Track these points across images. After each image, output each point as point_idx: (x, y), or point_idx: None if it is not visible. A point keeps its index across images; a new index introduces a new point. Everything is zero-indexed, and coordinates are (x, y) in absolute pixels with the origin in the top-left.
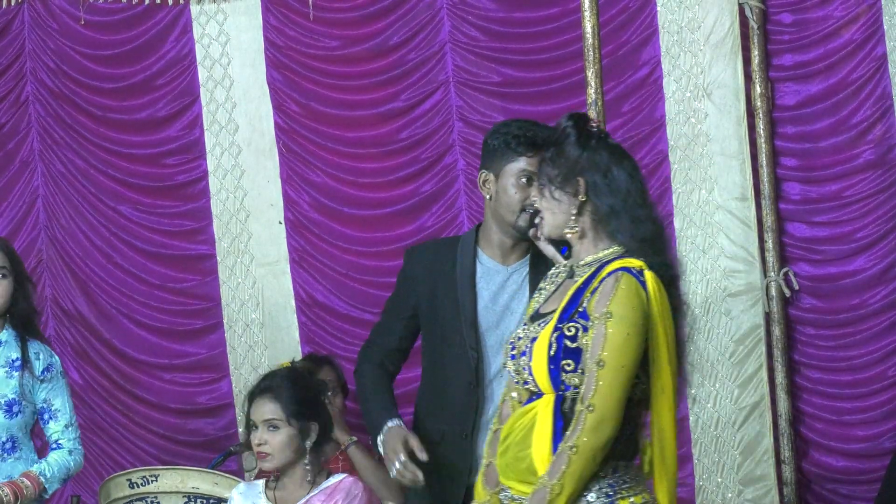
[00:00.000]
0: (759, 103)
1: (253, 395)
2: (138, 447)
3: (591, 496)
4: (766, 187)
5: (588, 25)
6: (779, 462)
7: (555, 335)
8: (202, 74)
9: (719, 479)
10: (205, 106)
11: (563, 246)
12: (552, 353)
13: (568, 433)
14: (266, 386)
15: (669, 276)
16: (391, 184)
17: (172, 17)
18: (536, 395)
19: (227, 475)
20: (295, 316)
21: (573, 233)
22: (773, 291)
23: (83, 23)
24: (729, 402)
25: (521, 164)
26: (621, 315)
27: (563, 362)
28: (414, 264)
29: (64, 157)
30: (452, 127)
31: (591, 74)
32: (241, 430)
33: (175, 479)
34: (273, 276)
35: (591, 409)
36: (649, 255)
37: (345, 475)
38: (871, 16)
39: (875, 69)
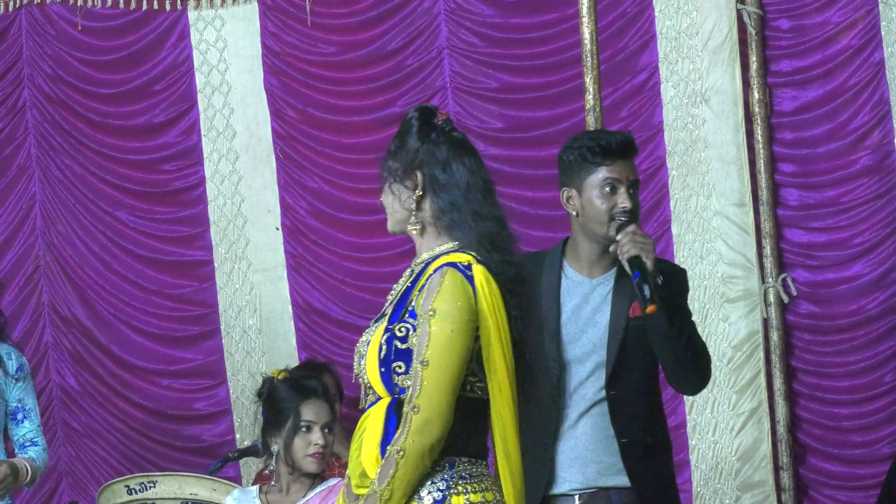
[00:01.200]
0: (756, 109)
1: (304, 396)
2: (136, 453)
3: (423, 492)
4: (763, 193)
5: (586, 31)
6: (777, 468)
7: (385, 337)
8: (199, 80)
9: (717, 485)
10: (202, 112)
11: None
12: (382, 355)
13: (395, 436)
14: (315, 387)
15: (512, 274)
16: None
17: (170, 23)
18: (378, 398)
19: (225, 481)
20: (292, 322)
21: (414, 228)
22: (771, 297)
23: (80, 28)
24: (727, 407)
25: (601, 173)
26: (445, 312)
27: (394, 364)
28: None
29: (61, 162)
30: None
31: (589, 80)
32: (238, 436)
33: (173, 486)
34: (270, 282)
35: (416, 410)
36: (488, 251)
37: (340, 479)
38: (869, 21)
39: (873, 75)
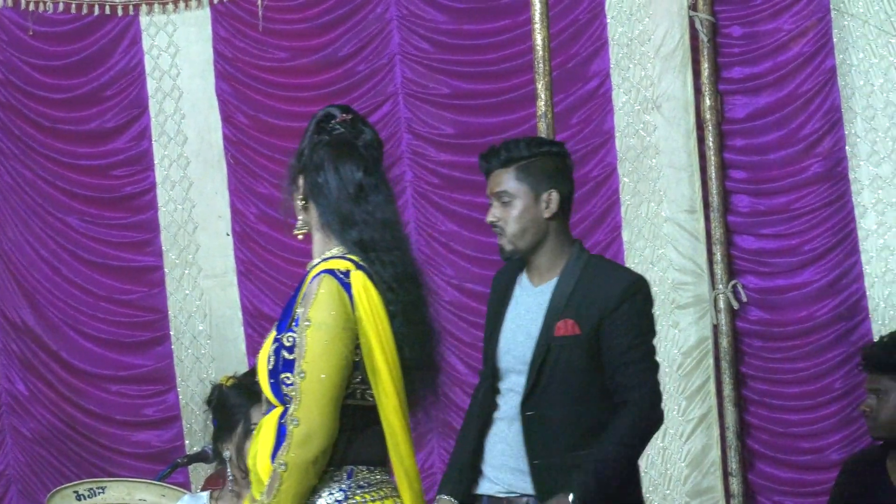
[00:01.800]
0: (708, 116)
1: (254, 400)
2: (84, 459)
3: (319, 502)
4: (714, 200)
5: (538, 38)
6: (726, 474)
7: (273, 347)
8: (151, 85)
9: (667, 492)
10: (153, 117)
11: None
12: (271, 366)
13: (280, 450)
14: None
15: (390, 275)
16: None
17: (122, 28)
18: (273, 406)
19: (174, 487)
20: (242, 328)
21: (301, 232)
22: (722, 303)
23: (31, 34)
24: (676, 413)
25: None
26: (319, 321)
27: (282, 375)
28: (492, 287)
29: (12, 168)
30: (401, 139)
31: (540, 86)
32: (187, 441)
33: (122, 492)
34: (220, 287)
35: (296, 423)
36: (364, 254)
37: None
38: (821, 29)
39: (824, 82)
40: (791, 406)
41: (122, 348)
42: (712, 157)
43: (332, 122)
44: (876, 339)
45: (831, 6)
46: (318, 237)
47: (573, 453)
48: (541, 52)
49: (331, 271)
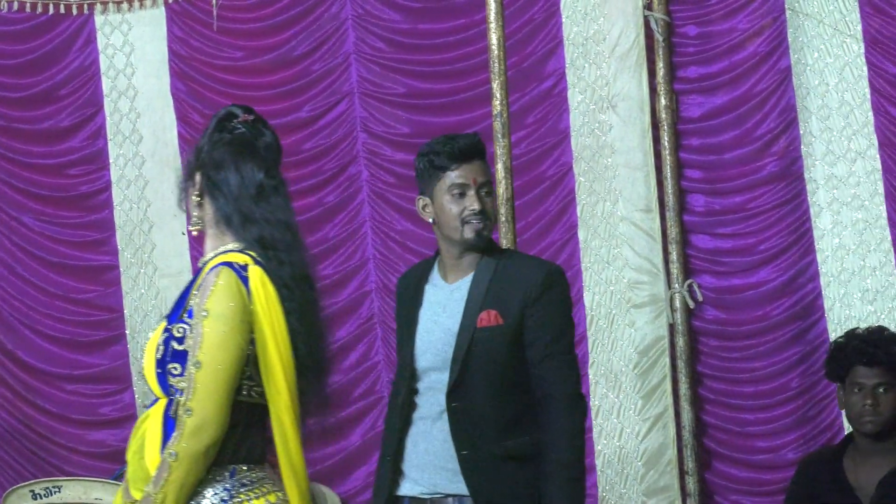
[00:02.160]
0: (663, 115)
1: None
2: (41, 458)
3: (204, 502)
4: (670, 199)
5: (493, 37)
6: (682, 473)
7: (163, 337)
8: (106, 85)
9: (623, 490)
10: (108, 116)
11: None
12: (159, 356)
13: (170, 440)
14: None
15: (287, 274)
16: (294, 194)
17: (77, 27)
18: (157, 399)
19: None
20: None
21: (195, 228)
22: (678, 303)
23: None
24: (633, 413)
25: (449, 178)
26: (217, 313)
27: (170, 366)
28: (398, 292)
29: None
30: (356, 138)
31: (496, 86)
32: None
33: (78, 491)
34: (176, 287)
35: (189, 413)
36: (262, 252)
37: None
38: (776, 29)
39: (779, 82)
40: (747, 405)
41: (77, 347)
42: (668, 157)
43: (234, 121)
44: (832, 338)
45: (786, 6)
46: (211, 233)
47: (500, 443)
48: (496, 52)
49: (229, 263)
